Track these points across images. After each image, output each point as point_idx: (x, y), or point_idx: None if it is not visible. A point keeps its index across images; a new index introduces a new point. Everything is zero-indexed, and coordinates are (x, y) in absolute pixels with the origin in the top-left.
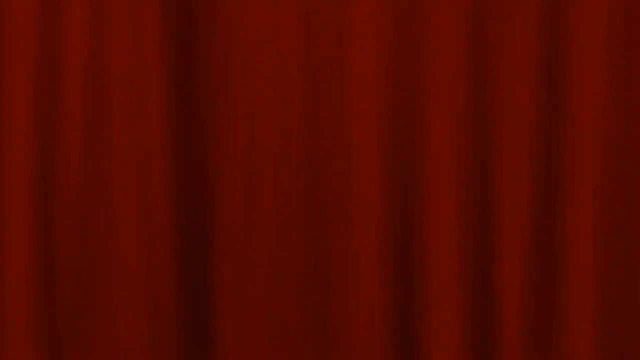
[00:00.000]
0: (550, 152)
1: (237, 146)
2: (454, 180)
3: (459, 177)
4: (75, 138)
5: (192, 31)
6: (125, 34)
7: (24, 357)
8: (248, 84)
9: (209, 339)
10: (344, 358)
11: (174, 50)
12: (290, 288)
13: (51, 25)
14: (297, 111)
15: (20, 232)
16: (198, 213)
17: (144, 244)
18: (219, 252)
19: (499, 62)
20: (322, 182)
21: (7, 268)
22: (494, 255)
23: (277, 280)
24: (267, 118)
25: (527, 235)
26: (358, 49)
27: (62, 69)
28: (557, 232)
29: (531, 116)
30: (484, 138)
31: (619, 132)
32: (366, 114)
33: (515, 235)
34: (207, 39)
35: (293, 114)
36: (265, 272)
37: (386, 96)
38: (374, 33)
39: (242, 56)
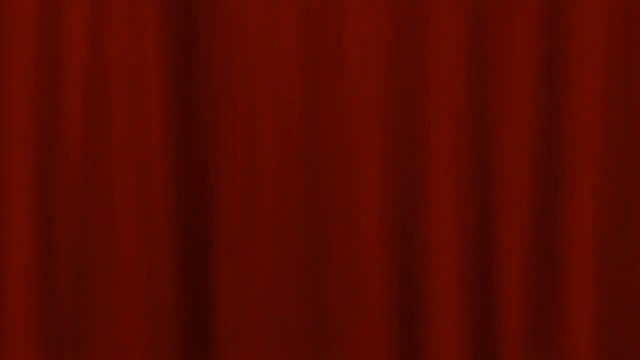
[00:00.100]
0: (550, 152)
1: (237, 146)
2: (454, 179)
3: (459, 176)
4: (75, 138)
5: (192, 31)
6: (125, 34)
7: (24, 357)
8: (248, 84)
9: (209, 339)
10: (344, 358)
11: (174, 50)
12: (290, 288)
13: (51, 25)
14: (297, 111)
15: (20, 232)
16: (198, 213)
17: (144, 244)
18: (219, 252)
19: (499, 62)
20: (322, 182)
21: (7, 268)
22: (495, 255)
23: (277, 280)
24: (267, 118)
25: (527, 235)
26: (358, 49)
27: (62, 69)
28: (557, 232)
29: (531, 116)
30: (484, 138)
31: (619, 132)
32: (366, 114)
33: (515, 236)
34: (207, 39)
35: (293, 114)
36: (265, 272)
37: (386, 96)
38: (374, 33)
39: (242, 56)
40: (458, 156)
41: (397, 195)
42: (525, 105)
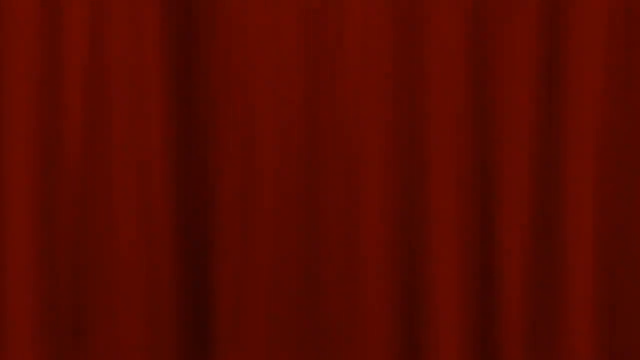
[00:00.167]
0: (551, 152)
1: (237, 146)
2: (454, 179)
3: (459, 176)
4: (75, 138)
5: (192, 31)
6: (125, 34)
7: (24, 357)
8: (248, 84)
9: (209, 339)
10: (344, 358)
11: (174, 50)
12: (290, 288)
13: (51, 25)
14: (297, 111)
15: (20, 232)
16: (198, 213)
17: (144, 244)
18: (219, 252)
19: (499, 62)
20: (322, 182)
21: (7, 268)
22: (495, 254)
23: (277, 280)
24: (267, 118)
25: (527, 235)
26: (358, 49)
27: (62, 69)
28: (557, 232)
29: (531, 116)
30: (484, 138)
31: (619, 132)
32: (366, 114)
33: (516, 235)
34: (207, 39)
35: (293, 114)
36: (266, 272)
37: (386, 96)
38: (374, 33)
39: (242, 56)
40: (458, 156)
41: (397, 195)
42: (525, 105)
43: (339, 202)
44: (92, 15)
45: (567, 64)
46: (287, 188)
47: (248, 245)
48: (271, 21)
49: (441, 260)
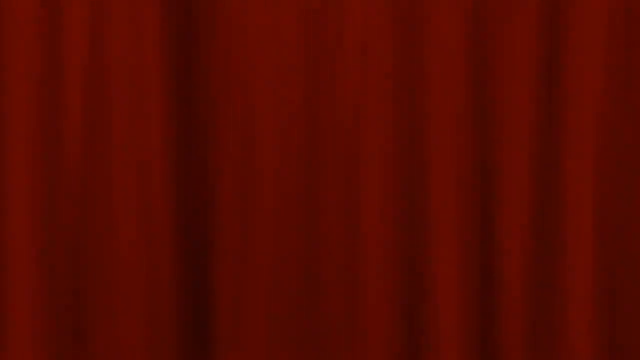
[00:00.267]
0: (551, 152)
1: (237, 146)
2: (454, 179)
3: (460, 176)
4: (75, 138)
5: (192, 31)
6: (125, 34)
7: (24, 357)
8: (248, 84)
9: (209, 339)
10: (345, 358)
11: (174, 50)
12: (290, 288)
13: (51, 25)
14: (297, 111)
15: (20, 232)
16: (198, 213)
17: (144, 244)
18: (219, 252)
19: (499, 62)
20: (322, 182)
21: (7, 268)
22: (495, 254)
23: (277, 280)
24: (268, 118)
25: (527, 235)
26: (358, 49)
27: (62, 69)
28: (557, 232)
29: (531, 116)
30: (484, 138)
31: (619, 132)
32: (366, 114)
33: (516, 236)
34: (207, 39)
35: (293, 114)
36: (266, 272)
37: (386, 96)
38: (374, 33)
39: (242, 56)
40: (458, 156)
41: (397, 194)
42: (525, 105)
43: (339, 202)
44: (92, 15)
45: (567, 64)
46: (287, 188)
47: (248, 245)
48: (271, 21)
49: (441, 260)
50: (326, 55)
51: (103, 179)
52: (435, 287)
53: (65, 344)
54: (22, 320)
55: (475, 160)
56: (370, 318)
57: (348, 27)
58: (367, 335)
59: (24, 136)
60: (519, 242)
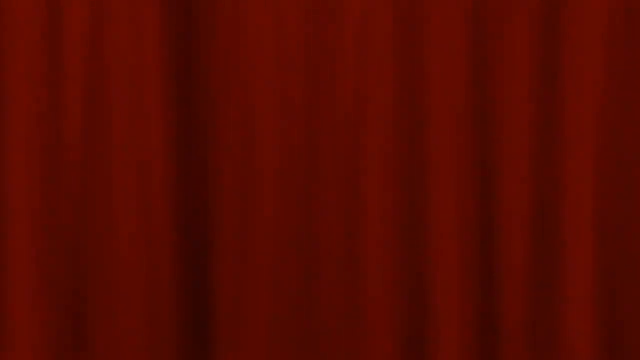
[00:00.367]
0: (551, 152)
1: (237, 146)
2: (454, 179)
3: (460, 176)
4: (75, 138)
5: (192, 31)
6: (125, 34)
7: (24, 357)
8: (248, 84)
9: (209, 339)
10: (345, 358)
11: (174, 50)
12: (290, 288)
13: (51, 25)
14: (298, 111)
15: (20, 232)
16: (198, 213)
17: (144, 244)
18: (219, 252)
19: (499, 62)
20: (322, 182)
21: (7, 268)
22: (495, 254)
23: (277, 280)
24: (268, 118)
25: (527, 235)
26: (358, 49)
27: (62, 69)
28: (557, 232)
29: (531, 116)
30: (484, 138)
31: (619, 132)
32: (366, 114)
33: (516, 235)
34: (208, 39)
35: (293, 114)
36: (266, 272)
37: (386, 96)
38: (374, 33)
39: (242, 56)
40: (458, 156)
41: (397, 194)
42: (525, 105)
43: (339, 202)
44: (92, 15)
45: (567, 64)
46: (287, 188)
47: (248, 245)
48: (271, 21)
49: (441, 260)
50: (326, 55)
51: (103, 179)
52: (435, 286)
53: (66, 344)
54: (22, 320)
55: (475, 160)
56: (370, 318)
57: (348, 27)
58: (367, 335)
59: (24, 136)
60: (519, 242)
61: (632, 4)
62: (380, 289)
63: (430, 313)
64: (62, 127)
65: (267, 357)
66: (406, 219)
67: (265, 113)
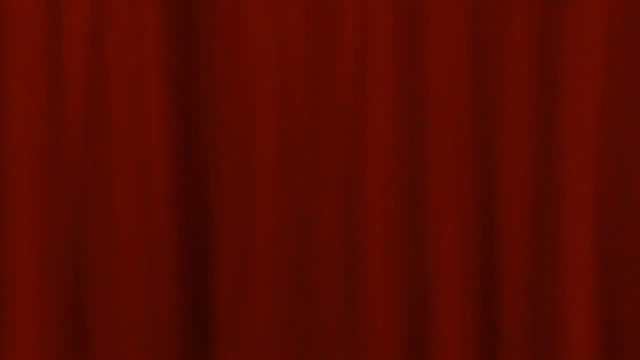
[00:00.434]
0: (551, 152)
1: (237, 146)
2: (454, 179)
3: (460, 176)
4: (76, 138)
5: (192, 31)
6: (125, 34)
7: (25, 357)
8: (248, 84)
9: (209, 339)
10: (345, 358)
11: (174, 50)
12: (291, 288)
13: (51, 25)
14: (298, 111)
15: (20, 232)
16: (198, 213)
17: (144, 244)
18: (219, 252)
19: (499, 62)
20: (323, 182)
21: (7, 269)
22: (495, 254)
23: (277, 280)
24: (268, 118)
25: (527, 235)
26: (358, 49)
27: (62, 69)
28: (557, 232)
29: (531, 116)
30: (484, 138)
31: (619, 132)
32: (366, 114)
33: (516, 235)
34: (208, 39)
35: (293, 114)
36: (266, 272)
37: (386, 96)
38: (373, 33)
39: (242, 56)
40: (458, 156)
41: (397, 194)
42: (525, 105)
43: (339, 202)
44: (92, 15)
45: (567, 64)
46: (287, 188)
47: (248, 246)
48: (271, 21)
49: (441, 260)
50: (326, 55)
51: (103, 179)
52: (436, 286)
53: (66, 344)
54: (22, 320)
55: (475, 160)
56: (370, 318)
57: (348, 27)
58: (367, 335)
59: (24, 136)
60: (519, 242)
61: (632, 4)
62: (380, 289)
63: (430, 313)
64: (62, 127)
65: (267, 357)
66: (406, 219)
67: (265, 113)
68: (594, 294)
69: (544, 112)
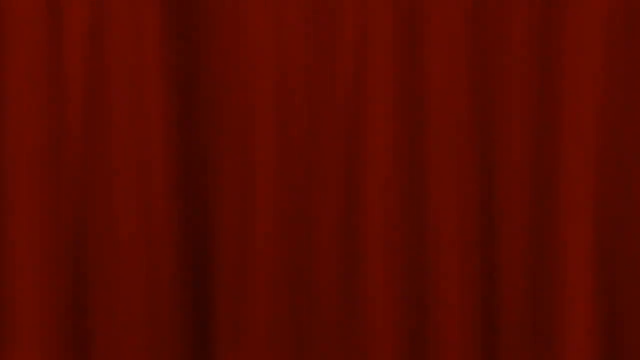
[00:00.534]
0: (550, 152)
1: (237, 146)
2: (454, 179)
3: (460, 176)
4: (75, 138)
5: (192, 31)
6: (125, 34)
7: (24, 357)
8: (249, 84)
9: (209, 339)
10: (346, 357)
11: (174, 50)
12: (291, 288)
13: (51, 25)
14: (298, 111)
15: (20, 232)
16: (198, 213)
17: (145, 244)
18: (220, 252)
19: (499, 62)
20: (323, 182)
21: (7, 269)
22: (495, 254)
23: (278, 280)
24: (268, 118)
25: (527, 235)
26: (357, 49)
27: (62, 69)
28: (557, 232)
29: (531, 116)
30: (484, 138)
31: (619, 132)
32: (366, 114)
33: (516, 235)
34: (208, 39)
35: (293, 114)
36: (266, 272)
37: (386, 96)
38: (374, 33)
39: (243, 56)
40: (458, 156)
41: (397, 194)
42: (525, 105)
43: (339, 202)
44: (92, 15)
45: (567, 64)
46: (287, 188)
47: (248, 245)
48: (271, 21)
49: (441, 260)
50: (326, 55)
51: (103, 179)
52: (436, 286)
53: (66, 344)
54: (22, 320)
55: (475, 160)
56: (370, 318)
57: (348, 27)
58: (367, 335)
59: (24, 136)
60: (519, 242)
61: (632, 4)
62: (380, 289)
63: (430, 313)
64: (62, 127)
65: (267, 357)
66: (406, 219)
67: (265, 113)
68: (594, 294)
69: (544, 112)
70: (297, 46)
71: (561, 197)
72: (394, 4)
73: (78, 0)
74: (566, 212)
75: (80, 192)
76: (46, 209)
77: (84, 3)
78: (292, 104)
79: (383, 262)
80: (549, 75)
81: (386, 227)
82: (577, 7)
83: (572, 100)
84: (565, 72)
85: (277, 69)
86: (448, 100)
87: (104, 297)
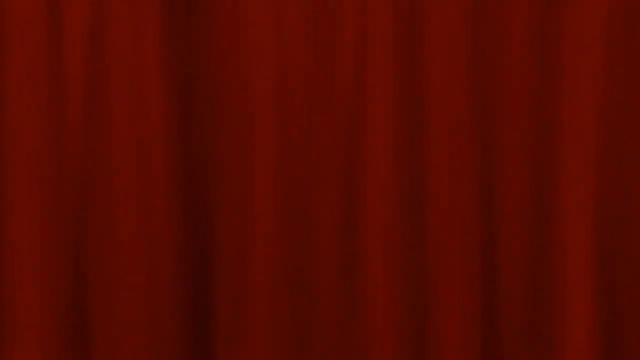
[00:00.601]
0: (550, 153)
1: (237, 146)
2: (454, 179)
3: (460, 176)
4: (76, 138)
5: (192, 31)
6: (125, 34)
7: (24, 357)
8: (249, 84)
9: (209, 339)
10: (346, 357)
11: (174, 50)
12: (291, 289)
13: (51, 25)
14: (298, 111)
15: (21, 232)
16: (198, 213)
17: (145, 244)
18: (220, 252)
19: (499, 62)
20: (323, 182)
21: (7, 269)
22: (495, 254)
23: (278, 280)
24: (268, 118)
25: (527, 235)
26: (357, 49)
27: (62, 69)
28: (557, 232)
29: (531, 117)
30: (484, 138)
31: (619, 132)
32: (366, 114)
33: (516, 235)
34: (208, 39)
35: (294, 114)
36: (266, 272)
37: (386, 96)
38: (374, 33)
39: (243, 56)
40: (458, 156)
41: (397, 194)
42: (525, 105)
43: (339, 202)
44: (92, 15)
45: (567, 64)
46: (287, 187)
47: (249, 245)
48: (271, 21)
49: (441, 260)
50: (326, 55)
51: (103, 179)
52: (436, 286)
53: (66, 344)
54: (23, 320)
55: (475, 160)
56: (370, 318)
57: (348, 27)
58: (367, 335)
59: (24, 136)
60: (519, 242)
61: (632, 4)
62: (380, 289)
63: (430, 313)
64: (62, 127)
65: (267, 357)
66: (406, 219)
67: (265, 113)
68: (594, 294)
69: (544, 111)
70: (297, 46)
71: (561, 197)
72: (394, 4)
73: (78, 0)
74: (566, 212)
75: (80, 192)
76: (46, 209)
77: (84, 3)
78: (292, 104)
79: (383, 262)
80: (549, 75)
81: (386, 227)
82: (577, 7)
83: (572, 100)
84: (565, 72)
85: (277, 69)
86: (448, 100)
87: (104, 297)
